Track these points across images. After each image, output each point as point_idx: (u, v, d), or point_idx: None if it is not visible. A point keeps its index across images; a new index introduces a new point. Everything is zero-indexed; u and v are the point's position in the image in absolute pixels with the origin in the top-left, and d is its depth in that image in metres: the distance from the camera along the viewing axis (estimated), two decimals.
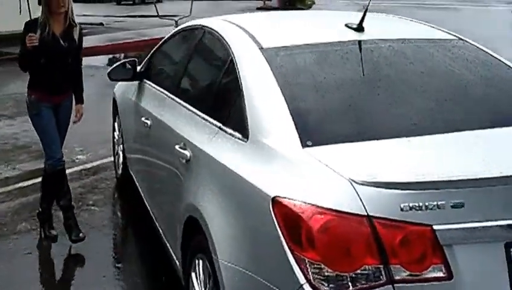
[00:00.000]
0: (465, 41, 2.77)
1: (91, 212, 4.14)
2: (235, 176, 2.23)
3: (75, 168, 5.38)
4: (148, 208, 3.76)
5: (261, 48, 2.58)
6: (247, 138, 2.30)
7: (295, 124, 2.16)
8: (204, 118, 2.71)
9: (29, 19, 3.78)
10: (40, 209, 4.00)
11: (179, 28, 3.82)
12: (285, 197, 1.93)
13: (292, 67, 2.50)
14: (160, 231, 3.37)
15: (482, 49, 2.73)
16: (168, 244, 3.21)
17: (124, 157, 4.57)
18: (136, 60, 4.05)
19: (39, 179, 4.98)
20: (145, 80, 3.97)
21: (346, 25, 2.75)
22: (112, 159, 5.22)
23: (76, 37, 3.80)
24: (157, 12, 14.78)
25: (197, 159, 2.62)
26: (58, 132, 3.84)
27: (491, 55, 2.71)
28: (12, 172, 5.35)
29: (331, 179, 1.88)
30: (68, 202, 3.95)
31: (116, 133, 4.95)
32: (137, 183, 4.18)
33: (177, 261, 3.00)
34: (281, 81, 2.37)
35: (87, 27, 16.04)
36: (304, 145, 2.08)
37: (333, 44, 2.60)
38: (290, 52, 2.56)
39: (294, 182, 1.99)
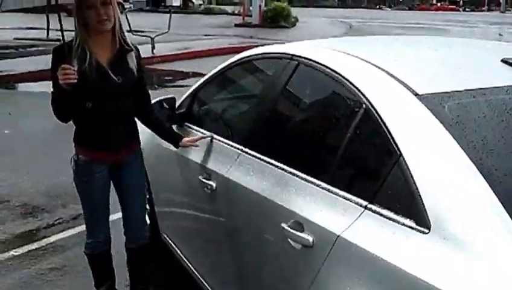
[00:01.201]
0: None
1: None
2: (420, 283, 1.54)
3: (69, 231, 4.43)
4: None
5: (417, 95, 1.89)
6: (428, 228, 1.62)
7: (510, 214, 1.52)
8: (331, 191, 2.00)
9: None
10: None
11: (242, 55, 2.94)
12: None
13: (471, 124, 1.80)
14: None
15: None
16: None
17: (152, 217, 3.73)
18: (175, 97, 3.24)
19: (32, 246, 4.14)
20: (188, 124, 3.18)
21: (505, 61, 2.12)
22: (118, 216, 4.33)
23: (133, 64, 2.73)
24: (130, 28, 13.29)
25: (328, 247, 1.90)
26: (127, 202, 2.93)
27: None
28: None
29: None
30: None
31: None
32: (179, 253, 3.36)
33: None
34: (466, 146, 1.70)
35: (37, 44, 14.71)
36: None
37: None
38: (460, 102, 1.88)
39: None
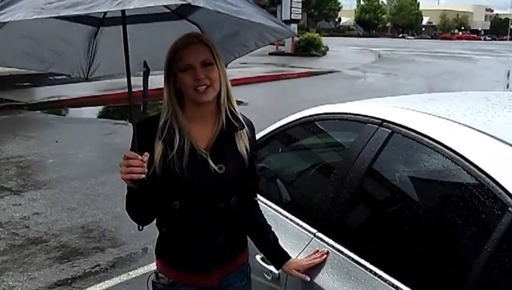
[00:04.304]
0: None
1: None
2: None
3: (106, 283, 4.08)
4: None
5: None
6: None
7: None
8: None
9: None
10: None
11: (309, 112, 2.42)
12: None
13: None
14: None
15: None
16: None
17: None
18: None
19: None
20: None
21: None
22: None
23: (244, 148, 1.87)
24: None
25: None
26: None
27: None
28: (30, 285, 4.04)
29: None
30: None
31: None
32: None
33: None
34: None
35: None
36: None
37: None
38: None
39: None
